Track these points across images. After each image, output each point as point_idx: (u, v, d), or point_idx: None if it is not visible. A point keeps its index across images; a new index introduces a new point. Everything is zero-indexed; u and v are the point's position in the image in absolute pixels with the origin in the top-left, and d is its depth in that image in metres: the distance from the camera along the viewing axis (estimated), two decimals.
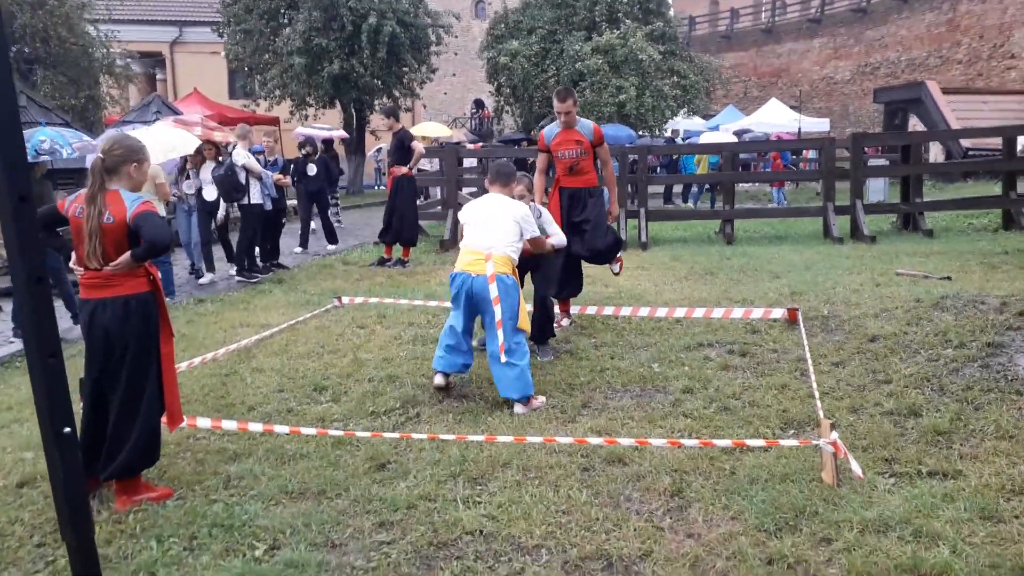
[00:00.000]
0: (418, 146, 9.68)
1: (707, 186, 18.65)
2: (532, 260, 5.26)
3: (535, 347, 5.40)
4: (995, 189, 14.35)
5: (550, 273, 5.68)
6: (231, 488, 3.61)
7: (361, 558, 2.96)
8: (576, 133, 6.07)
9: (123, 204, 3.40)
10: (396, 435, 3.87)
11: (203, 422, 4.09)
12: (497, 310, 4.45)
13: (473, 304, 4.62)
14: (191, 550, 3.05)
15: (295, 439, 4.04)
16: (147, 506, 3.42)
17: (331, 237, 12.33)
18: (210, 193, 8.96)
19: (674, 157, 20.45)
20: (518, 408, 4.43)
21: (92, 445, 3.50)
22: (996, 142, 17.25)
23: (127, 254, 3.38)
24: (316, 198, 12.06)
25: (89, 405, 3.53)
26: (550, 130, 6.25)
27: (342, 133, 21.27)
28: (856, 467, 3.25)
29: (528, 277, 5.49)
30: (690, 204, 18.27)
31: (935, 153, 19.97)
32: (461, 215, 5.00)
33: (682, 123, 26.78)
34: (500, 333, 4.44)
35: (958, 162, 17.31)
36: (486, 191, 5.11)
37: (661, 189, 19.55)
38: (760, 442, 3.54)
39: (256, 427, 4.02)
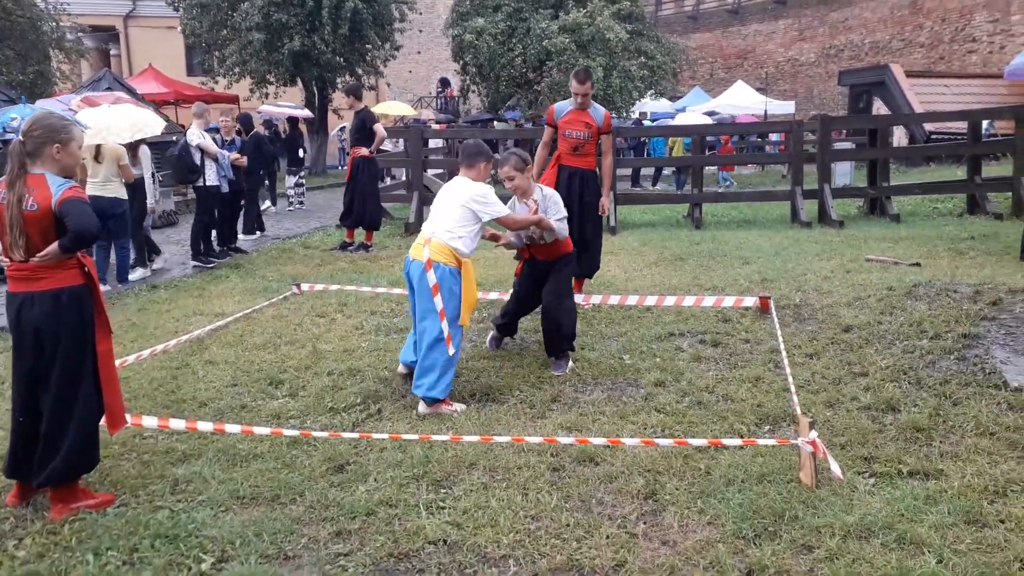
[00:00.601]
0: (380, 128, 9.38)
1: (675, 169, 18.59)
2: (547, 263, 4.88)
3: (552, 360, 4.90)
4: (957, 173, 14.45)
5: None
6: (178, 493, 3.38)
7: (316, 572, 2.76)
8: (588, 116, 6.17)
9: (47, 189, 3.11)
10: (356, 435, 3.66)
11: (149, 421, 3.84)
12: (437, 300, 4.20)
13: (412, 288, 4.39)
14: (131, 564, 2.82)
15: (248, 438, 3.82)
16: (85, 514, 3.17)
17: (248, 226, 11.12)
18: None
19: (642, 139, 20.35)
20: (421, 407, 4.19)
21: (25, 450, 3.24)
22: (958, 126, 17.42)
23: (54, 244, 3.10)
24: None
25: (19, 406, 3.26)
26: (561, 106, 6.31)
27: (306, 112, 20.73)
28: (836, 467, 3.12)
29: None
30: (669, 188, 18.15)
31: (898, 136, 20.11)
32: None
33: (649, 105, 26.66)
34: (444, 324, 4.20)
35: (924, 146, 17.45)
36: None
37: (629, 172, 19.44)
38: (737, 441, 3.40)
39: (206, 426, 3.79)
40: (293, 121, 17.00)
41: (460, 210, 4.31)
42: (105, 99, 8.68)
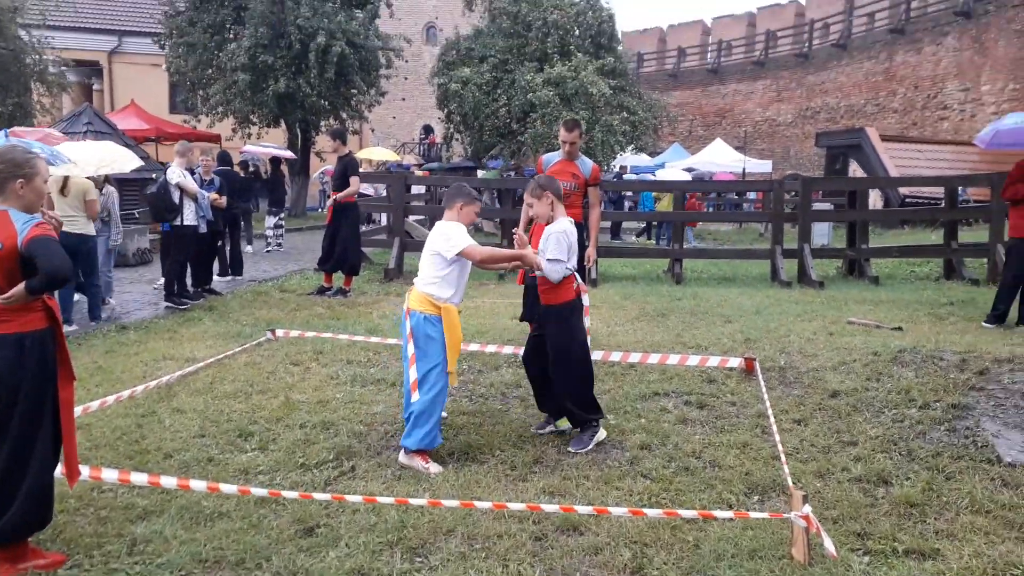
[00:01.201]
0: (355, 182, 9.26)
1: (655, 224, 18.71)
2: (544, 310, 4.50)
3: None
4: (931, 237, 14.67)
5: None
6: (136, 554, 3.17)
7: None
8: (575, 167, 6.11)
9: (12, 227, 2.94)
10: (327, 496, 3.47)
11: (109, 474, 3.61)
12: (409, 346, 4.13)
13: None
14: None
15: (214, 495, 3.61)
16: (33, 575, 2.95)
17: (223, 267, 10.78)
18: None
19: (622, 193, 20.50)
20: (402, 457, 4.11)
21: None
22: (931, 190, 17.78)
23: (20, 286, 2.92)
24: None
25: None
26: (550, 157, 6.29)
27: (289, 153, 20.68)
28: (829, 544, 3.00)
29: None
30: (656, 243, 18.23)
31: (873, 199, 20.46)
32: None
33: (630, 159, 26.99)
34: (412, 370, 4.10)
35: (902, 209, 17.74)
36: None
37: (609, 224, 19.52)
38: (728, 514, 3.27)
39: (170, 482, 3.57)
40: (275, 161, 16.93)
41: (430, 255, 4.23)
42: (33, 134, 8.45)
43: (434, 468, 4.04)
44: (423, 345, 4.11)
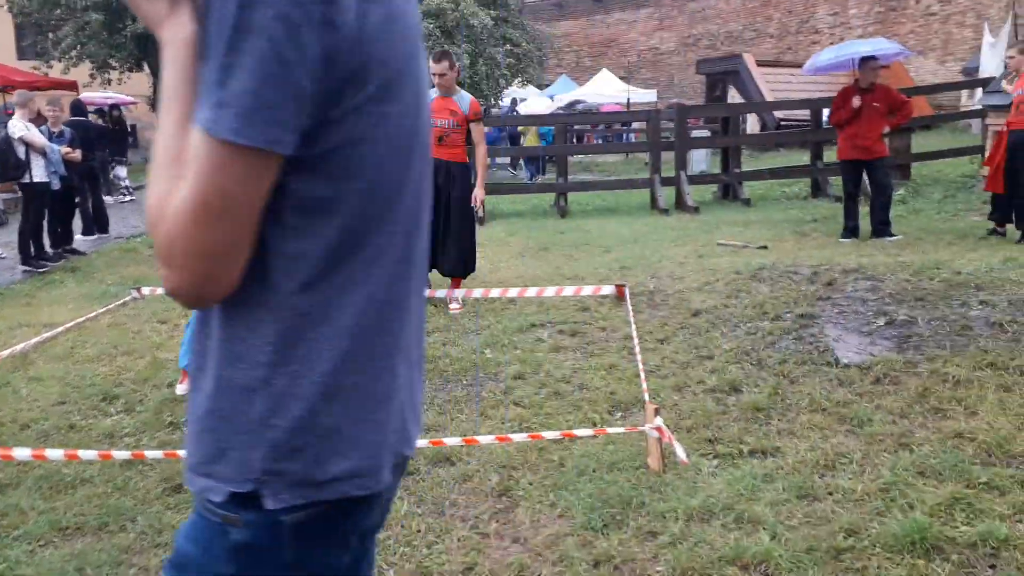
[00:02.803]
0: None
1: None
2: None
3: None
4: (804, 159, 15.37)
5: None
6: None
7: None
8: (452, 103, 5.86)
9: None
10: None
11: None
12: None
13: None
14: None
15: (75, 463, 3.51)
16: None
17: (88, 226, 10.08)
18: None
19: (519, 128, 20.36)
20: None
21: None
22: (805, 114, 18.55)
23: None
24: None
25: None
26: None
27: (129, 98, 19.38)
28: (680, 452, 3.19)
29: None
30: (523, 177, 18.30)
31: (751, 124, 21.19)
32: None
33: (518, 92, 26.80)
34: None
35: (772, 133, 18.43)
36: None
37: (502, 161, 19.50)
38: (589, 432, 3.43)
39: (23, 453, 3.44)
40: (114, 108, 16.09)
41: None
42: None
43: None
44: None
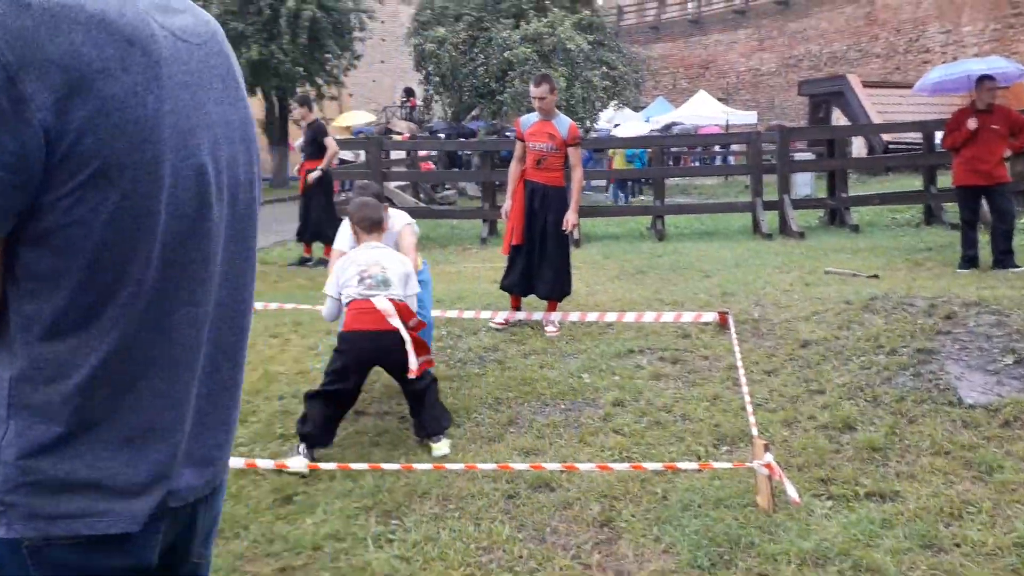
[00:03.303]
0: (331, 142, 9.27)
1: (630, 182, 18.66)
2: None
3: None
4: (915, 183, 14.70)
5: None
6: None
7: None
8: (551, 126, 5.93)
9: None
10: (303, 467, 3.53)
11: None
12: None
13: None
14: None
15: None
16: None
17: None
18: None
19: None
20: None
21: None
22: (915, 136, 17.78)
23: None
24: None
25: None
26: (527, 119, 6.13)
27: None
28: (792, 491, 3.07)
29: None
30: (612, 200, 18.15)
31: (857, 147, 20.45)
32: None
33: (619, 116, 26.75)
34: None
35: (881, 156, 17.74)
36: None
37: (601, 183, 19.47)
38: (693, 465, 3.35)
39: None
40: None
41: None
42: None
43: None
44: None
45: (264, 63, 20.04)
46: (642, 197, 18.80)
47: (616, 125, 25.00)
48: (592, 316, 6.03)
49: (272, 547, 3.05)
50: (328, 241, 9.43)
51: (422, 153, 18.35)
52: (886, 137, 19.01)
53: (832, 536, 2.91)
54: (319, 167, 9.19)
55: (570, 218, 6.00)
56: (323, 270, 9.08)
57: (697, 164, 23.17)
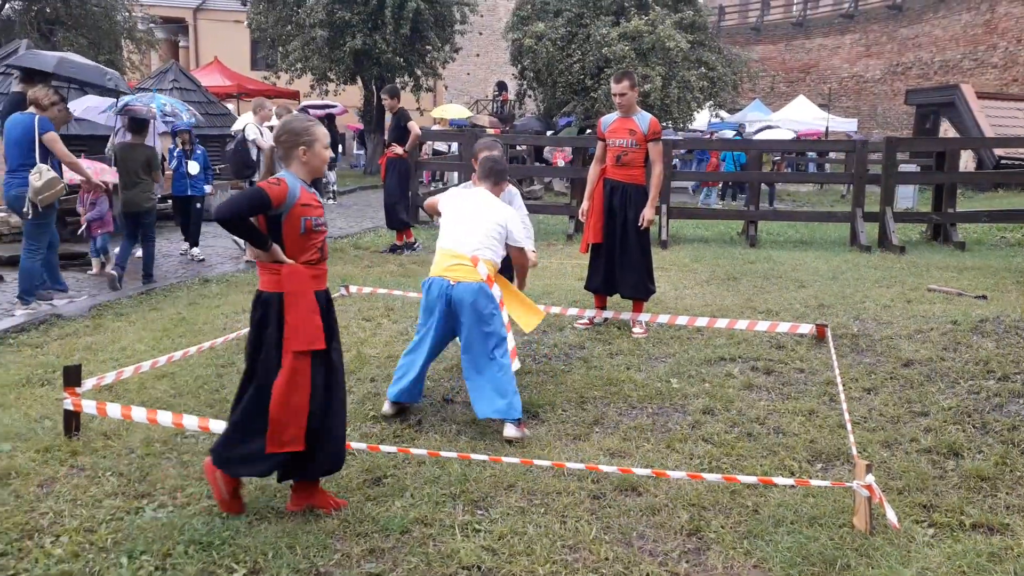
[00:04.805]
0: (414, 127, 9.47)
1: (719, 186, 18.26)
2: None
3: None
4: None
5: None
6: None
7: None
8: (632, 122, 5.91)
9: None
10: (394, 449, 3.60)
11: (190, 421, 3.83)
12: (504, 313, 4.13)
13: (452, 316, 4.08)
14: (164, 570, 2.80)
15: None
16: (121, 516, 3.17)
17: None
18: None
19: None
20: (509, 431, 3.95)
21: None
22: None
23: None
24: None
25: None
26: (608, 117, 6.11)
27: (341, 108, 21.05)
28: (892, 515, 2.96)
29: None
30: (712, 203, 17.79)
31: (965, 160, 19.46)
32: (441, 204, 4.44)
33: (708, 117, 26.18)
34: (511, 336, 4.14)
35: (991, 172, 16.83)
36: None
37: (684, 184, 19.15)
38: (789, 481, 3.25)
39: None
40: (330, 118, 17.45)
41: (499, 226, 4.22)
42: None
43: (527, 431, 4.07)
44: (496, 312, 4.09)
45: (367, 52, 20.46)
46: (732, 202, 18.37)
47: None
48: (682, 320, 5.94)
49: (361, 527, 3.11)
50: (401, 227, 9.62)
51: (547, 149, 19.02)
52: (998, 152, 18.04)
53: (935, 566, 2.78)
54: (403, 148, 9.40)
55: (647, 214, 5.88)
56: (410, 255, 9.26)
57: (790, 170, 22.46)
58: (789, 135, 22.18)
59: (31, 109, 6.50)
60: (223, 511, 3.18)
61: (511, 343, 4.14)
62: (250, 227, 3.04)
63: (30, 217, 6.37)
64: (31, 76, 7.75)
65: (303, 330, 3.08)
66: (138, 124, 7.66)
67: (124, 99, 9.18)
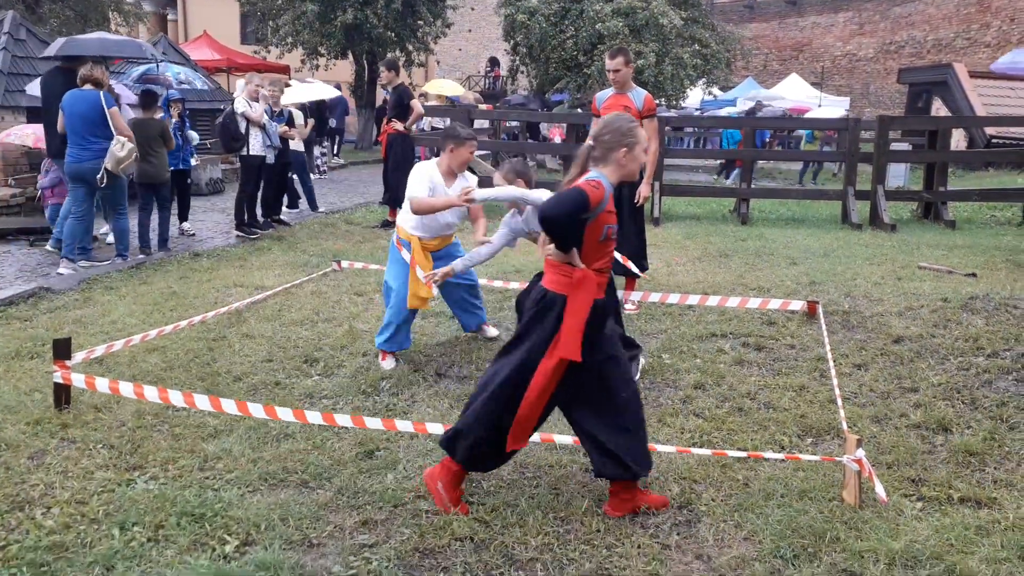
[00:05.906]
0: (417, 104, 9.35)
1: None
2: None
3: None
4: (1016, 180, 13.94)
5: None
6: (207, 470, 3.37)
7: (339, 563, 2.71)
8: (626, 99, 5.86)
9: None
10: (379, 423, 3.58)
11: (176, 397, 3.77)
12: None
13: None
14: (156, 541, 2.80)
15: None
16: (112, 488, 3.17)
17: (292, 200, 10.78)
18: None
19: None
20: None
21: None
22: (1020, 131, 16.79)
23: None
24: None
25: None
26: (603, 94, 6.06)
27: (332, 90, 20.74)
28: (880, 490, 2.99)
29: None
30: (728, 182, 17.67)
31: (956, 139, 19.46)
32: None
33: (701, 95, 26.10)
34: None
35: (983, 151, 16.85)
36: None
37: (678, 162, 19.05)
38: (779, 455, 3.27)
39: (230, 406, 3.67)
40: (320, 106, 17.34)
41: None
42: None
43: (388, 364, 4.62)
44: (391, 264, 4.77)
45: (358, 27, 20.21)
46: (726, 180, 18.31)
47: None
48: (673, 297, 5.94)
49: (355, 499, 3.12)
50: (393, 204, 9.56)
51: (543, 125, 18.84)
52: (989, 131, 18.04)
53: (923, 539, 2.81)
54: (404, 125, 9.29)
55: (642, 190, 5.85)
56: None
57: (781, 148, 22.41)
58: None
59: (87, 87, 6.81)
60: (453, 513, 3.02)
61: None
62: (576, 228, 2.86)
63: (103, 184, 6.80)
64: (74, 59, 7.75)
65: (573, 340, 2.92)
66: (149, 97, 7.77)
67: (139, 68, 9.09)
